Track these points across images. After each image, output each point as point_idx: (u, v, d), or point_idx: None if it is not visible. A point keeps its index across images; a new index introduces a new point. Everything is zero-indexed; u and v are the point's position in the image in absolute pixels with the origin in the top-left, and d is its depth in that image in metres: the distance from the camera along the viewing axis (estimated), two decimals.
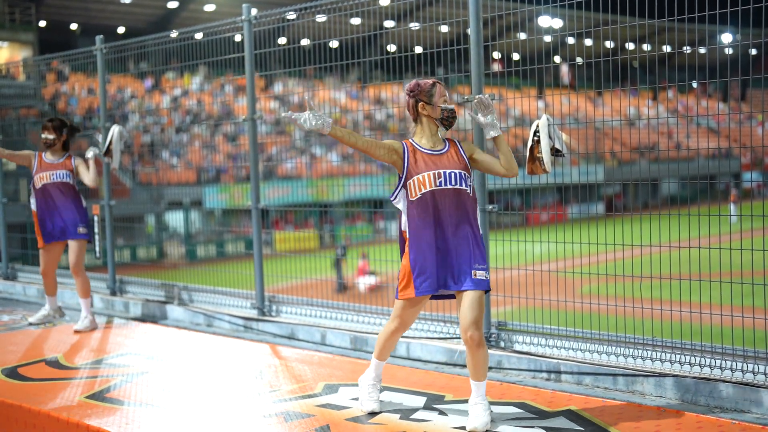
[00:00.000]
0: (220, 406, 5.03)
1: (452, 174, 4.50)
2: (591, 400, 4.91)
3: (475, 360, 4.45)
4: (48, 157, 7.70)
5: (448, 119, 4.57)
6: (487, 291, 4.53)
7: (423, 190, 4.48)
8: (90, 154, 7.64)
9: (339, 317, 7.08)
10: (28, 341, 7.26)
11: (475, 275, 4.45)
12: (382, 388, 4.95)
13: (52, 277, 7.92)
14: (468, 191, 4.53)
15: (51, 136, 7.65)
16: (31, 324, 7.95)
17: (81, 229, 7.69)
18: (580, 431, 4.34)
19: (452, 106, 4.58)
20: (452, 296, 4.63)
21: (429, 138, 4.59)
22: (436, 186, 4.48)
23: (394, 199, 4.59)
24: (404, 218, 4.58)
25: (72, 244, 7.69)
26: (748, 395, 4.65)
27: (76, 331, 7.56)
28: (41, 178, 7.64)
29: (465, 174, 4.53)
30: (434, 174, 4.49)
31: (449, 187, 4.48)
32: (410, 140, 4.62)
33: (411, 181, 4.52)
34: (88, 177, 7.58)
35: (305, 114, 4.40)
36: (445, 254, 4.50)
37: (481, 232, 4.60)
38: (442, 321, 6.36)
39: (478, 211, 4.62)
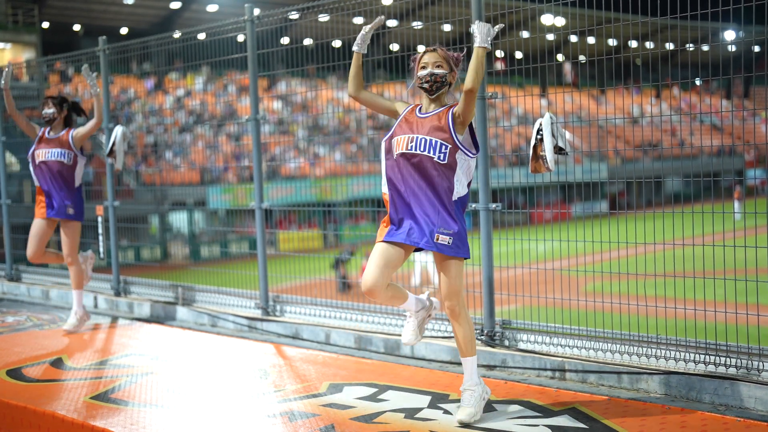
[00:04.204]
0: (225, 406, 5.04)
1: (422, 141, 4.51)
2: (595, 398, 4.91)
3: (455, 332, 4.60)
4: (49, 133, 7.65)
5: (422, 86, 4.61)
6: (461, 258, 4.53)
7: (396, 152, 4.57)
8: (95, 89, 7.41)
9: (343, 317, 7.08)
10: (32, 342, 7.27)
11: (437, 239, 4.47)
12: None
13: (44, 257, 7.74)
14: (436, 158, 4.47)
15: (50, 110, 7.57)
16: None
17: (69, 209, 7.53)
18: (584, 429, 4.33)
19: (425, 72, 4.58)
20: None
21: (428, 102, 4.66)
22: (407, 149, 4.53)
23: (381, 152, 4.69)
24: (383, 178, 4.65)
25: (63, 229, 7.58)
26: (753, 393, 4.65)
27: (66, 332, 7.51)
28: (38, 155, 7.59)
29: (437, 142, 4.48)
30: (407, 138, 4.55)
31: (417, 152, 4.50)
32: (419, 103, 4.71)
33: (391, 138, 4.63)
34: (91, 123, 7.49)
35: None
36: (414, 215, 4.52)
37: (454, 199, 4.51)
38: (447, 320, 6.36)
39: (456, 181, 4.51)
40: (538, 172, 5.04)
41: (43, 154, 7.57)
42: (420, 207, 4.50)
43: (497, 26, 4.51)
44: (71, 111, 7.71)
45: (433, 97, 4.63)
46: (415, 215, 4.51)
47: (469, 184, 4.60)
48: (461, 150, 4.49)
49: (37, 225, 7.64)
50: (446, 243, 4.47)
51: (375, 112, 4.79)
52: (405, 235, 4.52)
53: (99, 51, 9.00)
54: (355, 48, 4.76)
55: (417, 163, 4.50)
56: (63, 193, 7.54)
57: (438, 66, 4.60)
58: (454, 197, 4.52)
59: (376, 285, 4.51)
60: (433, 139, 4.48)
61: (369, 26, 4.77)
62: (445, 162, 4.48)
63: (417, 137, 4.51)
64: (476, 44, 4.41)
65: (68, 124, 7.69)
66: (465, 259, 4.59)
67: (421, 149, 4.49)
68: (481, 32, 4.40)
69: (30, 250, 7.67)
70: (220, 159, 28.06)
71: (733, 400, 4.73)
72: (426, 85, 4.59)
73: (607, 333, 5.54)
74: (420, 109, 4.65)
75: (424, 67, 4.61)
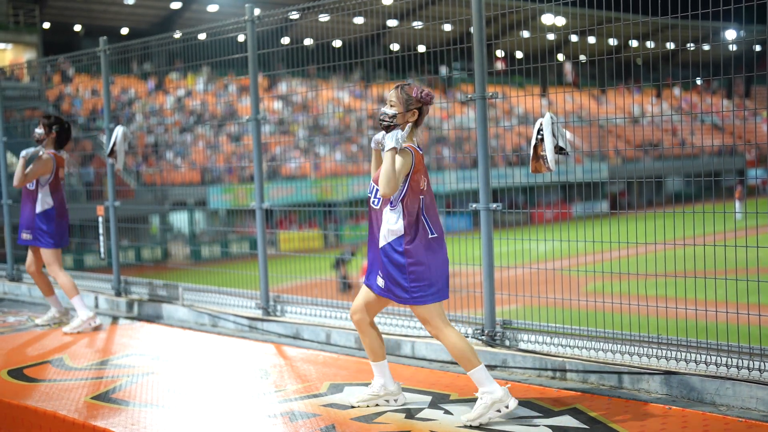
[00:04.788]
0: (226, 406, 5.04)
1: (373, 187, 4.75)
2: (596, 398, 4.91)
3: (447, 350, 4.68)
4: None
5: (380, 124, 4.67)
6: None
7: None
8: (22, 153, 7.57)
9: (344, 317, 7.07)
10: (33, 342, 7.27)
11: (378, 281, 4.69)
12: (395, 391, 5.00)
13: (38, 277, 7.97)
14: (375, 203, 4.68)
15: (39, 131, 7.70)
16: (37, 325, 7.96)
17: (24, 235, 7.75)
18: (585, 429, 4.33)
19: (381, 113, 4.65)
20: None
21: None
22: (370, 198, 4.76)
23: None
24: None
25: (38, 251, 7.83)
26: (754, 393, 4.64)
27: (65, 334, 7.55)
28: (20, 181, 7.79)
29: (374, 187, 4.71)
30: (371, 186, 4.77)
31: (370, 197, 4.75)
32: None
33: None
34: (25, 171, 7.60)
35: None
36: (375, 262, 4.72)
37: (384, 233, 4.60)
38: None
39: (391, 217, 4.57)
40: (538, 171, 5.04)
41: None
42: (374, 252, 4.73)
43: (404, 132, 4.57)
44: (61, 132, 7.74)
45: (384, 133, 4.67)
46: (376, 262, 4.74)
47: (408, 225, 4.57)
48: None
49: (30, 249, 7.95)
50: (381, 285, 4.67)
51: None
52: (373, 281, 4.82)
53: (100, 51, 9.00)
54: (394, 144, 4.52)
55: (372, 208, 4.73)
56: (24, 219, 7.77)
57: (391, 105, 4.64)
58: (386, 241, 4.63)
59: (358, 318, 4.85)
60: (373, 185, 4.74)
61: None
62: (387, 206, 4.62)
63: (372, 184, 4.78)
64: (385, 149, 4.49)
65: (59, 145, 7.76)
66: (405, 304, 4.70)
67: (370, 193, 4.76)
68: (389, 139, 4.48)
69: (27, 264, 8.01)
70: (221, 159, 28.07)
71: (734, 401, 4.73)
72: (383, 126, 4.64)
73: (608, 333, 5.54)
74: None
75: (386, 106, 4.68)
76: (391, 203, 4.57)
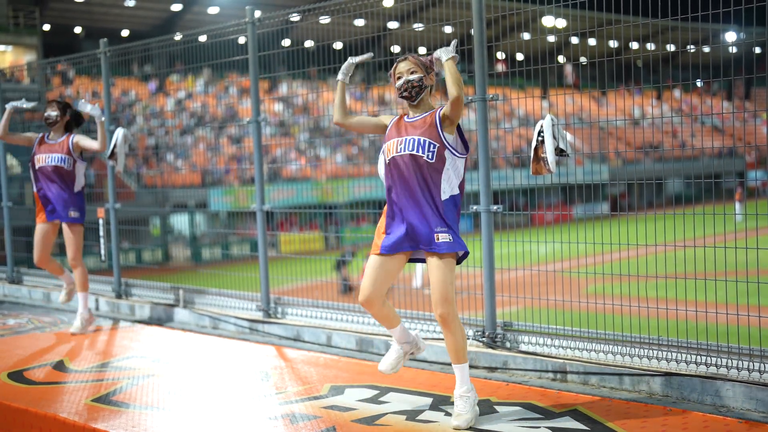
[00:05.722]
0: (227, 409, 5.04)
1: (411, 141, 4.55)
2: (597, 399, 4.91)
3: (446, 340, 4.58)
4: (49, 137, 7.65)
5: (401, 94, 4.64)
6: (461, 256, 4.59)
7: (388, 157, 4.63)
8: (96, 112, 7.35)
9: (345, 319, 7.08)
10: (34, 345, 7.27)
11: (438, 238, 4.50)
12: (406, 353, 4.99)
13: (50, 262, 7.83)
14: (425, 157, 4.51)
15: (54, 113, 7.57)
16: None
17: (72, 213, 7.56)
18: (586, 431, 4.33)
19: (401, 81, 4.61)
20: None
21: (412, 109, 4.69)
22: (396, 153, 4.58)
23: (379, 166, 4.79)
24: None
25: (66, 232, 7.61)
26: (755, 394, 4.64)
27: (73, 334, 7.55)
28: (38, 160, 7.61)
29: (425, 141, 4.52)
30: (396, 141, 4.61)
31: (406, 153, 4.55)
32: (406, 112, 4.75)
33: (383, 149, 4.69)
34: (96, 143, 7.46)
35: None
36: (409, 218, 4.55)
37: (444, 198, 4.53)
38: None
39: (445, 180, 4.53)
40: (539, 173, 5.04)
41: (43, 158, 7.58)
42: (412, 209, 4.54)
43: (453, 41, 4.60)
44: (73, 118, 7.72)
45: (415, 103, 4.66)
46: (409, 219, 4.55)
47: (461, 186, 4.60)
48: (449, 149, 4.52)
49: (40, 230, 7.70)
50: (447, 240, 4.49)
51: (366, 133, 4.81)
52: (399, 244, 4.58)
53: (100, 53, 9.01)
54: (339, 77, 4.80)
55: (407, 163, 4.54)
56: (65, 197, 7.55)
57: (412, 72, 4.63)
58: (444, 196, 4.53)
59: (371, 297, 4.65)
60: (421, 138, 4.53)
61: (357, 58, 4.83)
62: (433, 161, 4.51)
63: (405, 138, 4.58)
64: (444, 59, 4.51)
65: (69, 129, 7.70)
66: (463, 257, 4.60)
67: (410, 149, 4.53)
68: (443, 51, 4.53)
69: (36, 255, 7.76)
70: (222, 161, 28.08)
71: (734, 402, 4.73)
72: (405, 93, 4.63)
73: (608, 334, 5.54)
74: (408, 116, 4.71)
75: (399, 77, 4.65)
76: (459, 153, 4.52)
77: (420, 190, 4.51)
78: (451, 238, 4.49)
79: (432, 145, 4.50)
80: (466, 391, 4.56)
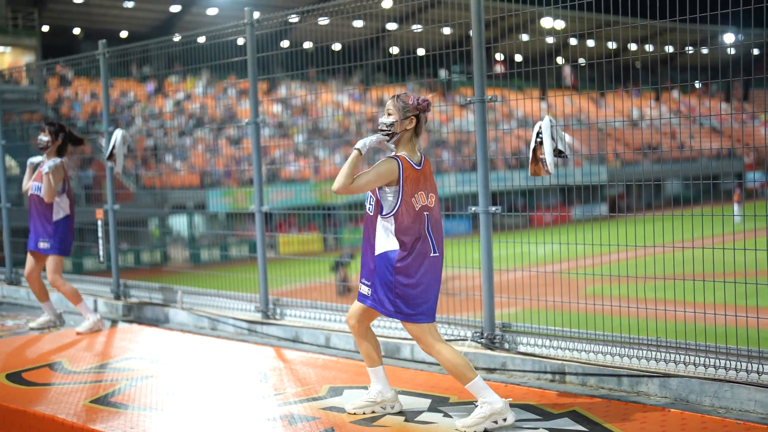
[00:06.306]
0: (225, 410, 5.04)
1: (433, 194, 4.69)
2: (596, 400, 4.91)
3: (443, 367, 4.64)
4: (41, 164, 7.69)
5: (380, 134, 4.66)
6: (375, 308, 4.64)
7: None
8: (45, 168, 7.49)
9: (343, 320, 7.07)
10: (32, 346, 7.26)
11: (360, 288, 4.70)
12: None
13: (36, 283, 7.94)
14: (369, 210, 4.65)
15: (45, 138, 7.61)
16: (32, 329, 7.96)
17: (42, 244, 7.66)
18: None
19: (379, 122, 4.64)
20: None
21: (402, 148, 4.70)
22: (430, 203, 4.66)
23: None
24: None
25: (43, 258, 7.78)
26: (753, 395, 4.64)
27: (78, 333, 7.59)
28: (30, 187, 7.73)
29: (369, 194, 4.64)
30: (425, 194, 4.66)
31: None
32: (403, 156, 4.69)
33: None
34: (48, 189, 7.50)
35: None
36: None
37: (377, 243, 4.57)
38: (447, 323, 6.36)
39: (383, 228, 4.55)
40: (537, 174, 5.04)
41: (31, 185, 7.73)
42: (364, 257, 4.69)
43: (374, 138, 4.65)
44: (66, 140, 7.70)
45: (392, 145, 4.66)
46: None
47: (403, 241, 4.51)
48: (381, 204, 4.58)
49: (28, 255, 7.90)
50: (364, 292, 4.64)
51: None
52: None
53: (99, 54, 9.01)
54: (359, 146, 4.63)
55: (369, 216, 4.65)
56: (38, 226, 7.68)
57: (389, 114, 4.64)
58: (378, 251, 4.58)
59: (354, 323, 4.77)
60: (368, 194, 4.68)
61: (378, 139, 4.66)
62: (373, 214, 4.62)
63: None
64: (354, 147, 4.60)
65: (61, 153, 7.69)
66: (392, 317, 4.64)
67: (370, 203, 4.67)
68: (362, 140, 4.61)
69: (26, 271, 7.97)
70: (221, 162, 28.06)
71: (733, 403, 4.73)
72: (386, 135, 4.65)
73: (607, 336, 5.54)
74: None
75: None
76: (383, 212, 4.54)
77: (367, 242, 4.70)
78: (367, 291, 4.67)
79: (371, 198, 4.65)
80: (481, 402, 4.48)
